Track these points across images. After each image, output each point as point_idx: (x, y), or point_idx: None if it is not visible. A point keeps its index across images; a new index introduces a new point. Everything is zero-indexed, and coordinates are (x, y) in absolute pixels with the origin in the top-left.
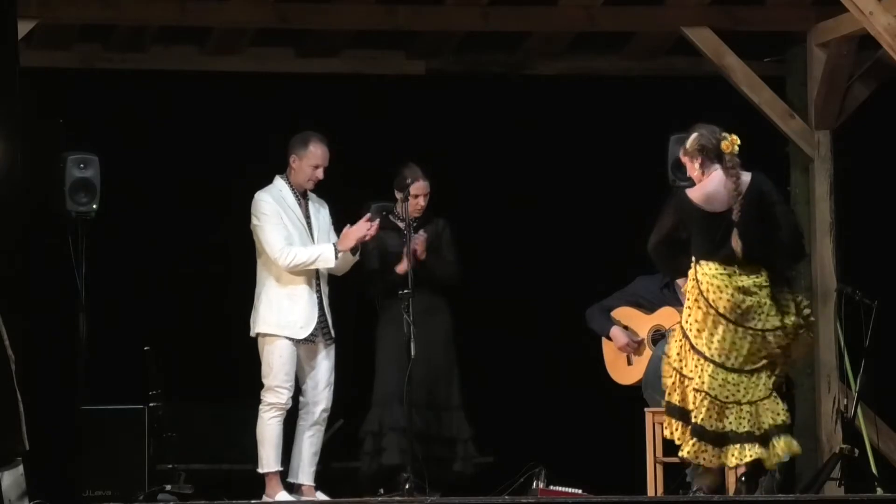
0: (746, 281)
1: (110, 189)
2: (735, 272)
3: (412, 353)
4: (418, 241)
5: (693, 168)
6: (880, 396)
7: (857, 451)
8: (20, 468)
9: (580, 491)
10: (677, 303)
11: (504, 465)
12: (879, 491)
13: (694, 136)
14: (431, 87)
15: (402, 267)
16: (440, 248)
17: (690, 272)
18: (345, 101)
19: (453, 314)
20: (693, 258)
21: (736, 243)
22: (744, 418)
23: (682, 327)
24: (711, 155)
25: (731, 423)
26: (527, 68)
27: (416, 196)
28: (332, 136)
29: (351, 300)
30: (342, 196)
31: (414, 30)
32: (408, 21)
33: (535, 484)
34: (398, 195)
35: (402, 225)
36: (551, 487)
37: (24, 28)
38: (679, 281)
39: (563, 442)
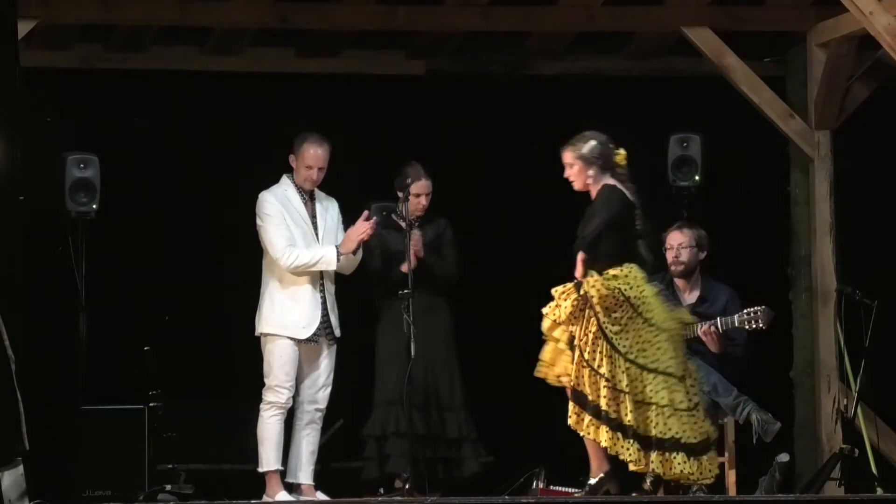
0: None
1: (110, 189)
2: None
3: (412, 353)
4: (415, 239)
5: (582, 173)
6: (880, 396)
7: (857, 451)
8: (20, 468)
9: (580, 491)
10: (677, 303)
11: (504, 465)
12: (879, 491)
13: (593, 143)
14: (431, 87)
15: (405, 266)
16: (441, 248)
17: (617, 271)
18: (345, 101)
19: (453, 314)
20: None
21: (644, 251)
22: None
23: (601, 328)
24: (606, 164)
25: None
26: (527, 68)
27: (418, 195)
28: (333, 137)
29: (351, 300)
30: (342, 196)
31: (414, 30)
32: (408, 21)
33: (535, 484)
34: (399, 194)
35: (404, 224)
36: (551, 487)
37: (24, 28)
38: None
39: (563, 442)
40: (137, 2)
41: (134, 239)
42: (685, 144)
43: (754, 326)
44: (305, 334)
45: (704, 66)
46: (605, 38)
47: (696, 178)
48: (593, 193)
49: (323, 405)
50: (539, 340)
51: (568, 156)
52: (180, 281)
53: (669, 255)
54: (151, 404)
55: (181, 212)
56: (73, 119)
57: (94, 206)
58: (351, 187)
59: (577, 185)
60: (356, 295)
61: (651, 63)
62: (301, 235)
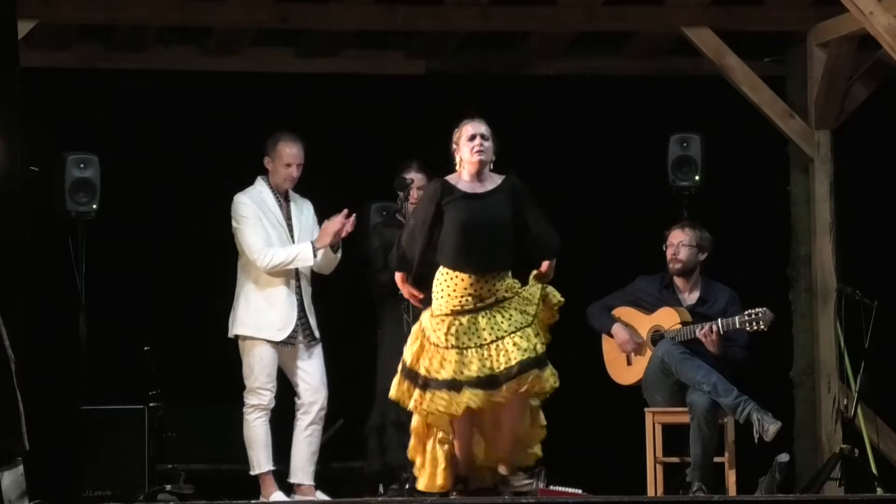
0: None
1: (110, 189)
2: None
3: None
4: None
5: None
6: (880, 396)
7: (857, 451)
8: (20, 468)
9: (580, 491)
10: (677, 303)
11: None
12: (879, 491)
13: None
14: (431, 87)
15: None
16: None
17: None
18: (345, 101)
19: None
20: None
21: None
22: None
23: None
24: None
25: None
26: (527, 68)
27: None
28: (332, 137)
29: (352, 300)
30: (341, 196)
31: (414, 30)
32: (408, 21)
33: (535, 484)
34: (399, 194)
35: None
36: (551, 487)
37: (24, 28)
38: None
39: (563, 442)
40: (137, 2)
41: (134, 239)
42: (685, 144)
43: (755, 328)
44: (281, 336)
45: (704, 66)
46: (605, 38)
47: (696, 178)
48: (490, 183)
49: (324, 405)
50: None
51: (487, 128)
52: (180, 281)
53: (668, 253)
54: (151, 404)
55: (181, 211)
56: (73, 119)
57: (94, 206)
58: (351, 187)
59: (484, 158)
60: (357, 295)
61: (651, 63)
62: (276, 237)
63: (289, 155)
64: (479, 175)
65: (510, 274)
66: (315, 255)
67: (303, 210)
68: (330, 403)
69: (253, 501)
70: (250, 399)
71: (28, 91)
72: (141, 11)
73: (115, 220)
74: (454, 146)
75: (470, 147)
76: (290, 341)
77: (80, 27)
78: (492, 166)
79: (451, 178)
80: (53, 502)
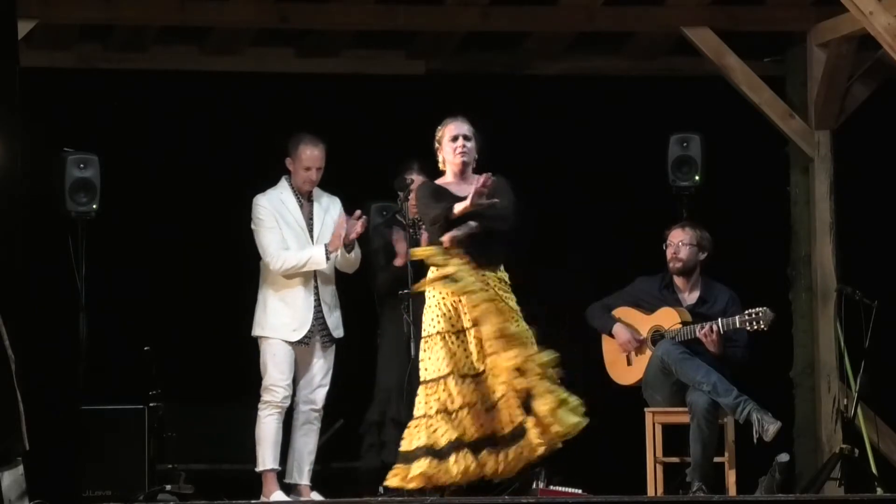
0: None
1: (110, 189)
2: None
3: (412, 352)
4: (423, 236)
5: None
6: (880, 396)
7: (857, 451)
8: (20, 468)
9: (580, 491)
10: (677, 303)
11: None
12: (879, 491)
13: None
14: (431, 87)
15: (399, 261)
16: None
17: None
18: (345, 101)
19: None
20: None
21: None
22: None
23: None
24: None
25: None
26: (527, 68)
27: None
28: (333, 136)
29: (351, 300)
30: (342, 196)
31: (414, 30)
32: (408, 21)
33: (535, 484)
34: (399, 194)
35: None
36: (551, 487)
37: (24, 28)
38: None
39: (563, 442)
40: (137, 2)
41: (134, 239)
42: (685, 144)
43: (755, 328)
44: (296, 337)
45: (704, 66)
46: (605, 38)
47: (696, 178)
48: (475, 182)
49: (319, 405)
50: (538, 339)
51: (469, 127)
52: (180, 281)
53: (669, 252)
54: (151, 404)
55: (181, 212)
56: (73, 119)
57: (94, 206)
58: (351, 187)
59: (467, 159)
60: (357, 295)
61: (651, 63)
62: (294, 238)
63: (308, 158)
64: (462, 175)
65: (503, 268)
66: (328, 258)
67: (328, 209)
68: (330, 403)
69: (253, 501)
70: (264, 396)
71: (28, 91)
72: (141, 11)
73: (115, 220)
74: (437, 144)
75: (453, 148)
76: (305, 341)
77: (80, 27)
78: (474, 165)
79: (440, 181)
80: (53, 502)
